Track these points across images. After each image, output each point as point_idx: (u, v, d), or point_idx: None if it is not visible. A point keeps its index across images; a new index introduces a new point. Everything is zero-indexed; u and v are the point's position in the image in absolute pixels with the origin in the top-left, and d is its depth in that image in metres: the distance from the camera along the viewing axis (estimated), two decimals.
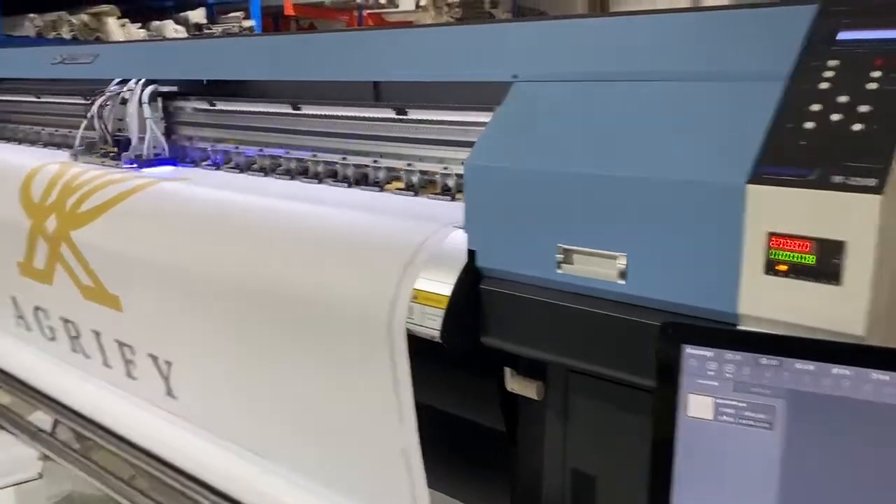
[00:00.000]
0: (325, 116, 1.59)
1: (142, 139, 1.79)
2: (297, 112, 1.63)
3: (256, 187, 1.56)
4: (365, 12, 6.11)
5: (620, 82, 0.96)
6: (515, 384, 1.14)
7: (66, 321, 1.72)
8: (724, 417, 0.78)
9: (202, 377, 1.44)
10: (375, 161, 1.51)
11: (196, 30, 5.00)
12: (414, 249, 1.10)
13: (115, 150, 1.81)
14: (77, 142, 1.93)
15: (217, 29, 5.11)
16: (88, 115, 1.88)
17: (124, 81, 1.85)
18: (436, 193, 1.41)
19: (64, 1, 4.41)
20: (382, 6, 5.93)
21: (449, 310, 1.03)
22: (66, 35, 4.24)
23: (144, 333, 1.52)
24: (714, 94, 0.88)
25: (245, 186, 1.56)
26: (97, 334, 1.64)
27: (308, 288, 1.17)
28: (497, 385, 1.17)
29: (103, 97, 1.85)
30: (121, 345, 1.58)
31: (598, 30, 1.05)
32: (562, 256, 0.94)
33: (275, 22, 5.96)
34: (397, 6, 5.97)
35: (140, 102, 1.79)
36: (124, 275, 1.49)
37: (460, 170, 1.37)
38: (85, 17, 4.32)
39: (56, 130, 2.26)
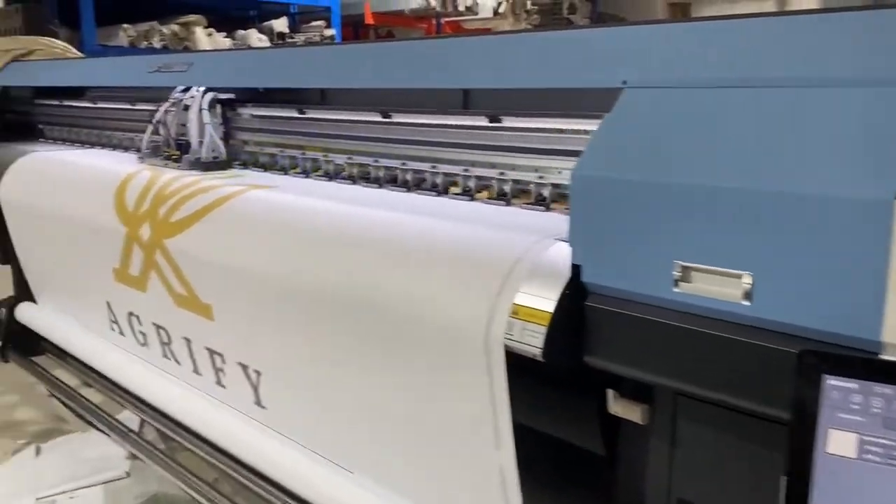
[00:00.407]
0: (415, 124, 1.57)
1: (202, 143, 1.88)
2: (387, 120, 1.61)
3: (346, 196, 1.54)
4: (443, 20, 6.12)
5: (747, 88, 0.90)
6: (619, 407, 1.07)
7: (158, 327, 1.74)
8: (871, 457, 0.71)
9: (292, 388, 1.43)
10: (466, 170, 1.48)
11: (279, 38, 5.10)
12: (513, 262, 1.05)
13: (178, 153, 1.90)
14: (143, 145, 2.03)
15: (299, 38, 5.20)
16: (154, 120, 1.97)
17: (188, 89, 1.93)
18: (529, 203, 1.37)
19: (155, 12, 4.57)
20: (461, 14, 5.92)
21: (552, 327, 0.98)
22: (157, 44, 4.39)
23: (235, 342, 1.52)
24: (857, 100, 0.80)
25: (335, 195, 1.54)
26: (188, 341, 1.65)
27: (402, 299, 1.14)
28: (597, 406, 1.11)
29: (167, 104, 1.94)
30: (211, 353, 1.59)
31: (721, 32, 0.98)
32: (679, 274, 0.88)
33: (354, 30, 6.03)
34: (476, 14, 5.95)
35: (200, 109, 1.88)
36: (216, 284, 1.50)
37: (556, 179, 1.33)
38: (175, 27, 4.46)
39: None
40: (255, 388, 1.51)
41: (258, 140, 1.94)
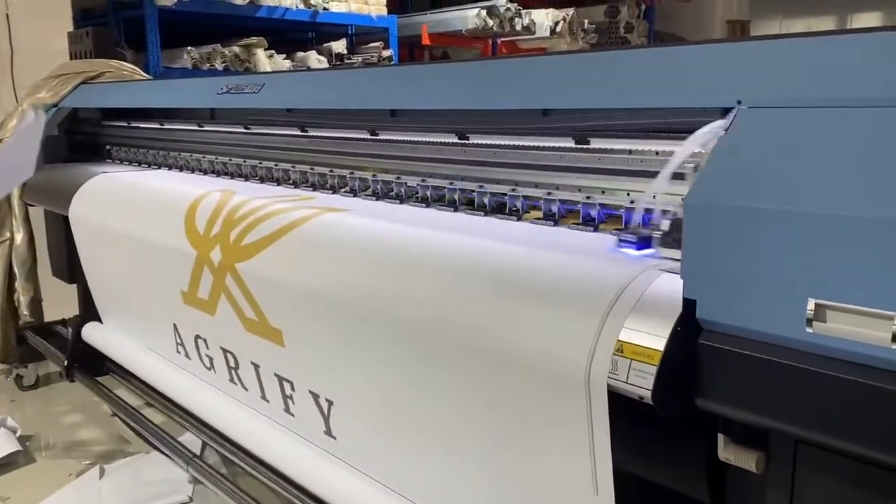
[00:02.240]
0: (494, 146, 1.51)
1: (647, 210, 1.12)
2: (464, 142, 1.56)
3: (421, 219, 1.49)
4: (499, 40, 6.09)
5: (883, 108, 0.81)
6: (731, 453, 0.99)
7: (225, 352, 1.71)
8: None
9: (366, 420, 1.37)
10: (549, 193, 1.41)
11: (337, 60, 5.13)
12: (614, 293, 0.98)
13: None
14: (636, 218, 1.15)
15: (357, 59, 5.23)
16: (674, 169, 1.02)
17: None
18: (618, 229, 1.29)
19: (217, 35, 4.64)
20: (517, 34, 5.89)
21: (662, 366, 0.90)
22: (219, 66, 4.45)
23: (306, 370, 1.47)
24: None
25: (409, 218, 1.49)
26: (256, 367, 1.61)
27: (492, 331, 1.07)
28: (704, 451, 1.03)
29: (707, 133, 0.97)
30: (280, 379, 1.55)
31: (850, 46, 0.90)
32: (812, 312, 0.80)
33: (410, 51, 6.04)
34: (533, 33, 5.90)
35: None
36: (288, 309, 1.45)
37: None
38: (236, 49, 4.52)
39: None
40: (326, 418, 1.46)
41: None
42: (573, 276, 1.05)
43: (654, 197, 1.07)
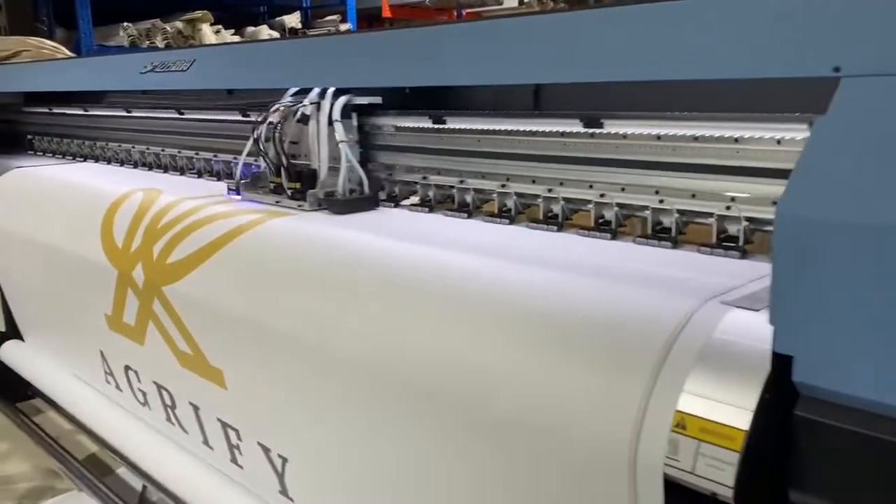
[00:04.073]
0: (475, 131, 1.23)
1: (333, 171, 1.31)
2: (441, 126, 1.27)
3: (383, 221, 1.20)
4: (465, 11, 5.75)
5: None
6: None
7: (159, 387, 1.41)
8: None
9: (330, 484, 1.08)
10: (550, 189, 1.13)
11: (291, 35, 4.76)
12: (666, 340, 0.71)
13: (298, 185, 1.32)
14: (238, 173, 1.45)
15: (312, 34, 4.86)
16: (255, 136, 1.37)
17: (303, 92, 1.36)
18: (645, 236, 1.02)
19: (157, 9, 4.23)
20: (484, 4, 5.55)
21: (748, 452, 0.63)
22: (160, 44, 4.06)
23: (253, 419, 1.18)
24: None
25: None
26: (196, 409, 1.31)
27: (492, 388, 0.80)
28: None
29: (275, 112, 1.35)
30: (224, 426, 1.25)
31: None
32: None
33: (369, 24, 5.68)
34: (501, 3, 5.57)
35: (331, 120, 1.30)
36: (228, 344, 1.16)
37: (683, 203, 0.99)
38: (179, 25, 4.12)
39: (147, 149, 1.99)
40: (280, 476, 1.17)
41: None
42: (601, 310, 0.78)
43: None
